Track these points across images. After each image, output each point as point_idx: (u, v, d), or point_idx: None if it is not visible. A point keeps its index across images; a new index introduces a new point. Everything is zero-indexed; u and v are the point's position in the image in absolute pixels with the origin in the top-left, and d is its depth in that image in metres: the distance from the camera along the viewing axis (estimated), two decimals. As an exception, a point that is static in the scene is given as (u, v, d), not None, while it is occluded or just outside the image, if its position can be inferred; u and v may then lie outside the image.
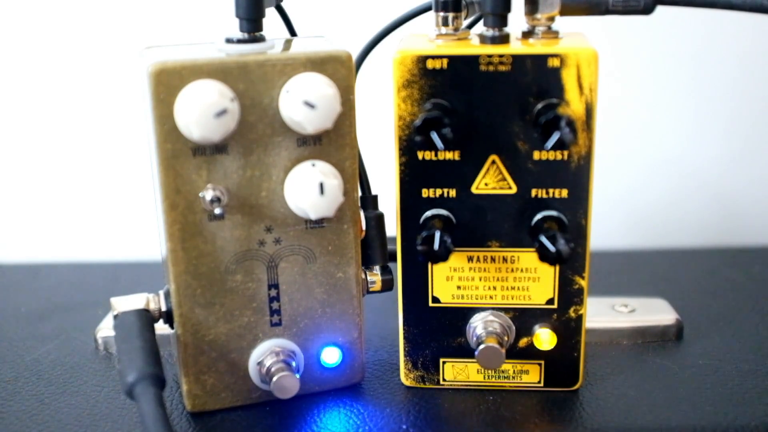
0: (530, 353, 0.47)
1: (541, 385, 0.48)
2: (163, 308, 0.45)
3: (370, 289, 0.48)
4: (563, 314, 0.46)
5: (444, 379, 0.48)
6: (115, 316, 0.44)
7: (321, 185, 0.42)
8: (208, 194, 0.42)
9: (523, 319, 0.47)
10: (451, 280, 0.46)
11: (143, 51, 0.44)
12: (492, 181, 0.44)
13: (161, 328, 0.45)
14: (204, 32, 0.63)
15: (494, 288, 0.46)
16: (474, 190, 0.44)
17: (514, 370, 0.48)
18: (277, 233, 0.44)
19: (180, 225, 0.43)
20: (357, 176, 0.45)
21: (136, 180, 0.73)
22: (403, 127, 0.44)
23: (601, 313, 0.55)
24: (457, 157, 0.44)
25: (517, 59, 0.42)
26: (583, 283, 0.46)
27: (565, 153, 0.43)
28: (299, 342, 0.46)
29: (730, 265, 0.67)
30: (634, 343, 0.53)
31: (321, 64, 0.42)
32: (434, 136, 0.41)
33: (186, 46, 0.44)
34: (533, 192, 0.44)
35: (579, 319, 0.46)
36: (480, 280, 0.46)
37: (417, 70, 0.43)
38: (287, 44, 0.44)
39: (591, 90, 0.42)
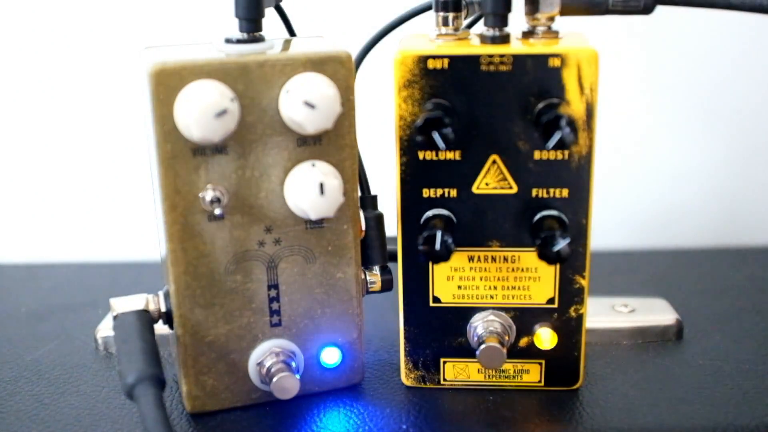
0: (531, 353, 0.47)
1: (542, 384, 0.48)
2: (163, 309, 0.45)
3: (370, 289, 0.48)
4: (564, 314, 0.46)
5: (444, 379, 0.48)
6: (115, 317, 0.44)
7: (321, 185, 0.42)
8: (208, 195, 0.42)
9: (524, 318, 0.47)
10: (452, 280, 0.46)
11: (143, 51, 0.44)
12: (493, 180, 0.44)
13: (161, 328, 0.45)
14: (204, 32, 0.63)
15: (495, 288, 0.46)
16: (475, 189, 0.44)
17: (514, 370, 0.48)
18: (277, 233, 0.44)
19: (180, 225, 0.43)
20: (357, 176, 0.45)
21: (136, 180, 0.73)
22: (404, 127, 0.44)
23: (601, 313, 0.55)
24: (457, 157, 0.44)
25: (518, 59, 0.42)
26: (584, 282, 0.46)
27: (566, 153, 0.43)
28: (299, 342, 0.46)
29: (730, 265, 0.67)
30: (634, 343, 0.53)
31: (321, 64, 0.42)
32: (435, 135, 0.41)
33: (186, 46, 0.44)
34: (534, 192, 0.44)
35: (579, 318, 0.46)
36: (481, 279, 0.46)
37: (418, 70, 0.43)
38: (287, 44, 0.44)
39: (592, 90, 0.42)
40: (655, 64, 0.72)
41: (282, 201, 0.43)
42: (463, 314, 0.47)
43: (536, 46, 0.43)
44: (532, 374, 0.48)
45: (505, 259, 0.46)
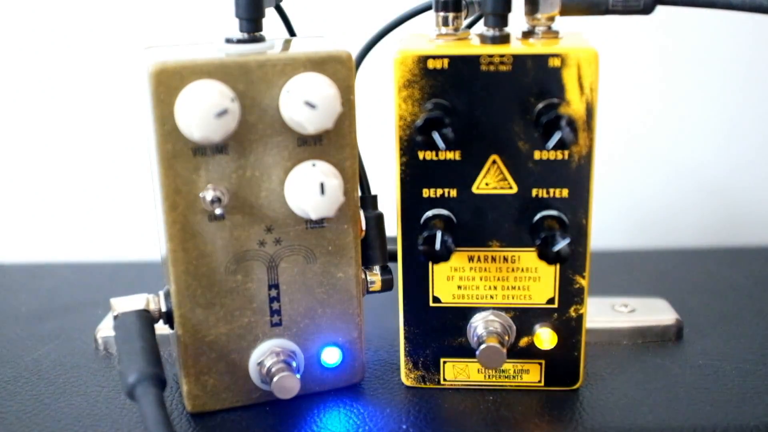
0: (531, 353, 0.47)
1: (542, 384, 0.48)
2: (163, 309, 0.45)
3: (370, 289, 0.48)
4: (564, 313, 0.46)
5: (444, 379, 0.48)
6: (115, 317, 0.44)
7: (321, 185, 0.42)
8: (209, 194, 0.42)
9: (524, 318, 0.47)
10: (452, 280, 0.46)
11: (143, 51, 0.44)
12: (493, 180, 0.44)
13: (161, 328, 0.45)
14: (204, 32, 0.63)
15: (495, 288, 0.46)
16: (475, 189, 0.44)
17: (514, 370, 0.48)
18: (277, 233, 0.44)
19: (180, 225, 0.43)
20: (357, 176, 0.45)
21: (136, 180, 0.73)
22: (404, 127, 0.44)
23: (601, 313, 0.55)
24: (457, 157, 0.44)
25: (518, 59, 0.42)
26: (584, 282, 0.46)
27: (566, 153, 0.43)
28: (299, 342, 0.46)
29: (730, 265, 0.67)
30: (634, 343, 0.53)
31: (321, 64, 0.42)
32: (436, 136, 0.41)
33: (186, 46, 0.44)
34: (534, 192, 0.44)
35: (579, 318, 0.46)
36: (481, 279, 0.46)
37: (418, 70, 0.43)
38: (287, 44, 0.44)
39: (591, 90, 0.42)
40: (655, 64, 0.72)
41: (282, 201, 0.43)
42: (463, 314, 0.47)
43: (536, 46, 0.43)
44: (532, 374, 0.48)
45: (505, 259, 0.46)
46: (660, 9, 0.45)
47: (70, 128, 0.73)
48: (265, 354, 0.45)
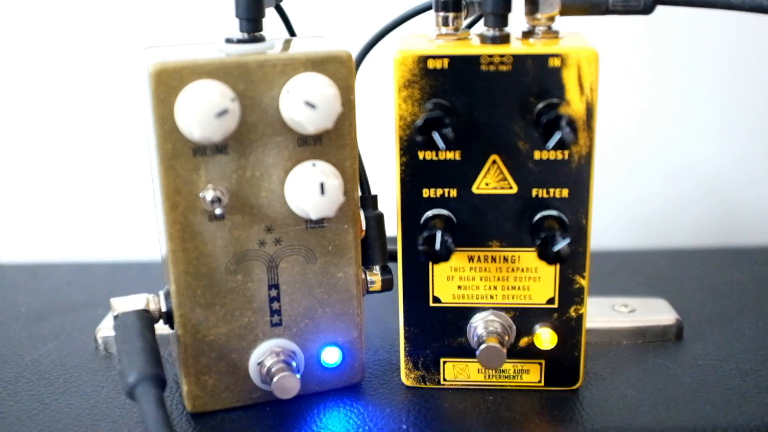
0: (531, 353, 0.47)
1: (542, 384, 0.48)
2: (163, 309, 0.45)
3: (370, 289, 0.48)
4: (564, 313, 0.46)
5: (444, 379, 0.48)
6: (115, 317, 0.44)
7: (322, 185, 0.42)
8: (209, 194, 0.42)
9: (524, 318, 0.47)
10: (452, 280, 0.46)
11: (143, 51, 0.44)
12: (493, 180, 0.44)
13: (161, 328, 0.45)
14: (204, 32, 0.63)
15: (495, 288, 0.46)
16: (475, 189, 0.44)
17: (514, 370, 0.48)
18: (278, 233, 0.44)
19: (180, 225, 0.43)
20: (357, 176, 0.45)
21: (136, 180, 0.73)
22: (404, 127, 0.44)
23: (601, 313, 0.55)
24: (457, 157, 0.44)
25: (518, 59, 0.42)
26: (584, 282, 0.46)
27: (566, 153, 0.43)
28: (299, 342, 0.46)
29: (730, 265, 0.67)
30: (634, 343, 0.53)
31: (321, 64, 0.42)
32: (436, 136, 0.41)
33: (186, 46, 0.44)
34: (534, 192, 0.44)
35: (579, 318, 0.46)
36: (481, 279, 0.46)
37: (418, 70, 0.43)
38: (287, 44, 0.44)
39: (592, 90, 0.42)
40: (656, 64, 0.72)
41: (282, 201, 0.43)
42: (463, 314, 0.47)
43: (536, 46, 0.43)
44: (532, 374, 0.48)
45: (505, 259, 0.46)
46: (659, 9, 0.45)
47: (70, 128, 0.73)
48: (265, 354, 0.45)
